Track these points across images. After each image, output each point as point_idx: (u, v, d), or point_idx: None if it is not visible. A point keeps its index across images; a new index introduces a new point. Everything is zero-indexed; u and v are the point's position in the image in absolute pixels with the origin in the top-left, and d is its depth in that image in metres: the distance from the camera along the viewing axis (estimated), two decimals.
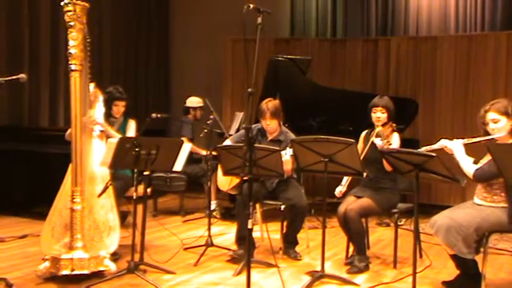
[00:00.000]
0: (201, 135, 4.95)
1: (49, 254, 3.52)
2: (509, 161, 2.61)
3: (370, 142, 3.87)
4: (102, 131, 4.04)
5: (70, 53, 3.51)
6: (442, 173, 3.20)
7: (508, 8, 6.64)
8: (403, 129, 5.59)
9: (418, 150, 3.45)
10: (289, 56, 5.86)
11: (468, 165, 3.36)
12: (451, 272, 3.63)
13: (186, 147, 3.89)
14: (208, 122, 4.77)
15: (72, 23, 3.50)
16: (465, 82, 6.45)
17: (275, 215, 4.68)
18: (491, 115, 3.32)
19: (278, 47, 7.12)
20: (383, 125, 3.94)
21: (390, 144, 3.78)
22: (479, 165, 3.33)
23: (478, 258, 3.38)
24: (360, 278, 3.75)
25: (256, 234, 4.57)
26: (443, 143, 3.43)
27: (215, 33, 7.82)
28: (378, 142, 3.77)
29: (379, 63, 7.00)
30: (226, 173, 3.96)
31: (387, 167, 3.72)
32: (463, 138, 3.43)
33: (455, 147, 3.39)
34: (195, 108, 6.16)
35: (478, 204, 3.43)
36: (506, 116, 3.29)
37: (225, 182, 4.34)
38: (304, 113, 5.80)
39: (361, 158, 3.69)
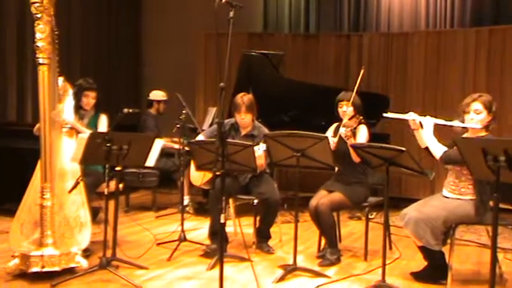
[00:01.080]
0: (174, 131, 4.93)
1: (18, 251, 3.47)
2: (474, 154, 2.67)
3: (338, 135, 3.91)
4: (72, 128, 3.99)
5: (37, 46, 3.44)
6: (412, 167, 3.27)
7: (477, 5, 6.78)
8: (374, 124, 5.68)
9: (385, 114, 3.55)
10: (262, 51, 5.87)
11: (436, 146, 3.42)
12: (419, 263, 3.71)
13: (159, 143, 3.87)
14: (180, 117, 4.75)
15: (39, 15, 3.42)
16: (435, 77, 6.58)
17: (248, 210, 4.69)
18: (476, 105, 3.38)
19: (251, 42, 7.11)
20: (350, 119, 3.99)
21: (354, 132, 3.86)
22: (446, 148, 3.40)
23: (445, 249, 3.47)
24: (331, 271, 3.80)
25: (229, 229, 4.57)
26: (412, 115, 3.47)
27: (187, 28, 7.76)
28: (342, 131, 3.82)
29: (351, 59, 7.07)
30: (198, 168, 3.96)
31: (355, 158, 3.77)
32: (436, 117, 3.48)
33: (427, 124, 3.43)
34: (158, 102, 6.15)
35: (446, 197, 3.51)
36: (487, 111, 3.38)
37: (198, 177, 4.34)
38: (276, 108, 5.81)
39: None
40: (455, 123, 3.41)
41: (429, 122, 3.43)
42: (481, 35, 6.34)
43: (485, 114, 3.38)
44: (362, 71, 4.00)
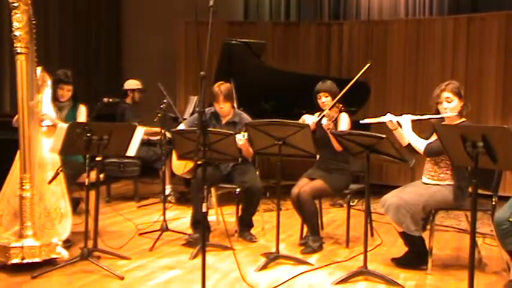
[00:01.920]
0: (155, 120, 4.90)
1: None
2: (453, 141, 2.71)
3: (319, 121, 3.94)
4: (50, 127, 3.92)
5: (15, 36, 3.38)
6: (392, 154, 3.30)
7: None
8: (355, 111, 5.71)
9: (362, 121, 3.54)
10: (243, 40, 5.84)
11: (417, 141, 3.48)
12: (400, 249, 3.76)
13: (139, 132, 3.84)
14: (161, 106, 4.71)
15: (16, 4, 3.37)
16: (415, 65, 6.64)
17: (230, 199, 4.70)
18: (446, 94, 3.45)
19: (232, 30, 7.08)
20: (330, 109, 4.00)
21: (335, 124, 3.91)
22: (429, 141, 3.46)
23: (425, 235, 3.53)
24: (313, 258, 3.83)
25: (211, 218, 4.58)
26: (389, 117, 3.51)
27: (168, 16, 7.68)
28: (324, 122, 3.86)
29: (332, 47, 7.10)
30: (180, 157, 3.95)
31: (337, 146, 3.80)
32: (411, 114, 3.53)
33: (404, 122, 3.48)
34: (133, 90, 6.08)
35: (425, 183, 3.56)
36: (458, 97, 3.45)
37: (179, 165, 4.32)
38: (258, 97, 5.80)
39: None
40: (431, 116, 3.47)
41: (406, 120, 3.49)
42: (459, 22, 6.40)
43: (456, 100, 3.44)
44: (368, 65, 3.98)
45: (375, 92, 6.42)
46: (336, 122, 3.99)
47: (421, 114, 3.52)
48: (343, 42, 7.04)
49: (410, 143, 3.50)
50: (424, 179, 3.59)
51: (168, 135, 4.69)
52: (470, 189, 3.21)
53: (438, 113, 3.49)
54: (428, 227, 3.53)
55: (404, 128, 3.48)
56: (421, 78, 6.56)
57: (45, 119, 3.92)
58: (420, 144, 3.46)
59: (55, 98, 4.18)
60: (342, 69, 6.97)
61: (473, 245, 2.74)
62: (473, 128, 2.82)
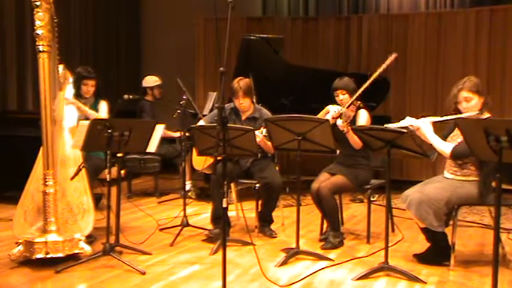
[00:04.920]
0: (174, 116, 4.92)
1: (22, 238, 3.48)
2: (477, 135, 2.66)
3: (334, 118, 3.91)
4: (71, 127, 3.98)
5: (37, 34, 3.43)
6: (413, 149, 3.27)
7: None
8: (375, 106, 5.67)
9: (384, 126, 3.46)
10: (261, 35, 5.84)
11: (442, 144, 3.42)
12: (422, 245, 3.73)
13: (160, 129, 3.87)
14: (181, 103, 4.73)
15: (38, 3, 3.41)
16: (435, 59, 6.55)
17: (250, 194, 4.70)
18: (464, 94, 3.39)
19: (250, 26, 7.08)
20: (348, 107, 3.95)
21: (351, 124, 3.82)
22: (453, 143, 3.40)
23: (448, 230, 3.48)
24: (334, 254, 3.81)
25: (231, 213, 4.60)
26: (409, 121, 3.46)
27: (187, 13, 7.72)
28: (339, 122, 3.81)
29: (351, 41, 7.04)
30: (200, 153, 3.96)
31: (355, 145, 3.77)
32: (430, 116, 3.48)
33: (424, 126, 3.43)
34: (151, 88, 6.06)
35: (448, 178, 3.51)
36: (478, 95, 3.38)
37: (200, 161, 4.34)
38: (277, 92, 5.80)
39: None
40: (452, 116, 3.40)
41: (426, 123, 3.43)
42: (481, 15, 6.30)
43: (476, 98, 3.38)
44: (394, 56, 3.64)
45: (395, 86, 6.37)
46: (352, 121, 3.93)
47: (441, 116, 3.46)
48: (362, 37, 6.97)
49: (434, 146, 3.44)
50: (447, 174, 3.54)
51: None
52: (494, 184, 3.16)
53: (458, 111, 3.43)
54: (450, 222, 3.49)
55: (425, 131, 3.42)
56: (442, 73, 6.48)
57: (73, 103, 3.98)
58: (445, 148, 3.40)
59: (78, 95, 4.24)
60: (361, 64, 6.91)
61: (497, 240, 2.69)
62: (496, 121, 2.77)
